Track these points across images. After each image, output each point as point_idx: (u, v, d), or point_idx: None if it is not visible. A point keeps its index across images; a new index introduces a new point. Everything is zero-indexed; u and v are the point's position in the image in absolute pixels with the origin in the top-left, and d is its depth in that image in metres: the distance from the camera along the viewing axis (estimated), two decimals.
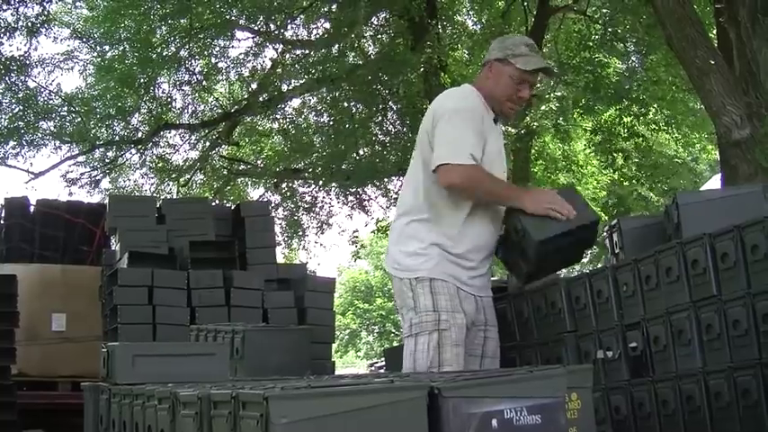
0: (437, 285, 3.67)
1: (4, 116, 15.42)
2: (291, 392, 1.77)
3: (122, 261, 6.92)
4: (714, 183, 13.75)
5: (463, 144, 3.67)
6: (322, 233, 18.29)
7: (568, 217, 3.69)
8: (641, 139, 15.84)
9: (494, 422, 2.01)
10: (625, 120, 15.18)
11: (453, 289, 3.69)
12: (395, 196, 16.34)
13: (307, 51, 15.03)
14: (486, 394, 2.02)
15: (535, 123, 13.54)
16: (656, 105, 15.21)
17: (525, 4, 14.31)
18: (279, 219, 17.56)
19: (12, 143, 15.61)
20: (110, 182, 18.04)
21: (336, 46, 13.68)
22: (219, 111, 17.21)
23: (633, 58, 15.35)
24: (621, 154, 15.80)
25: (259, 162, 18.47)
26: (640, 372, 3.74)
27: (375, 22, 14.96)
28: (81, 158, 16.63)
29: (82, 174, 16.42)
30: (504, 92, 3.87)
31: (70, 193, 14.48)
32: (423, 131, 3.86)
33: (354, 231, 19.30)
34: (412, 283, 3.71)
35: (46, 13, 14.13)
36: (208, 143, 17.18)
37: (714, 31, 9.40)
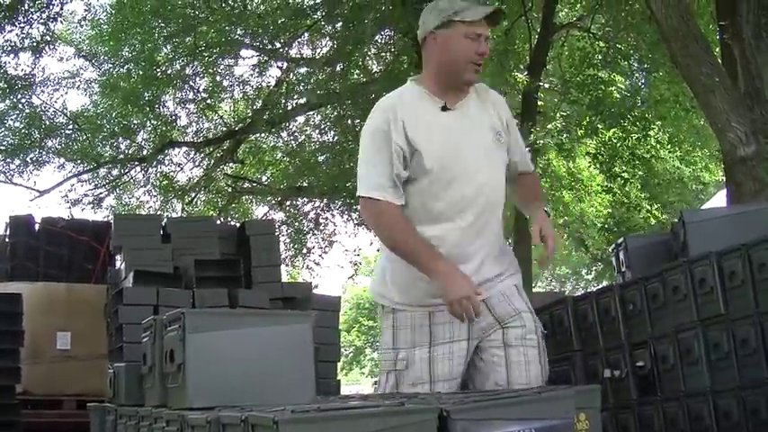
0: (399, 317, 3.39)
1: (9, 134, 15.50)
2: (301, 416, 1.76)
3: (128, 280, 6.91)
4: (719, 199, 13.74)
5: (371, 173, 3.34)
6: (326, 254, 18.28)
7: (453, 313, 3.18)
8: (642, 162, 15.86)
9: None
10: (628, 140, 15.19)
11: (420, 318, 3.36)
12: None
13: (311, 69, 15.08)
14: (496, 416, 2.01)
15: (540, 141, 13.56)
16: (658, 123, 15.23)
17: (529, 21, 14.33)
18: (283, 236, 17.57)
19: (17, 161, 15.69)
20: (114, 199, 18.09)
21: (341, 64, 13.72)
22: (224, 129, 17.27)
23: (637, 75, 15.38)
24: (621, 179, 15.78)
25: (264, 180, 18.51)
26: (648, 391, 3.74)
27: (379, 40, 15.00)
28: (85, 176, 16.69)
29: (86, 192, 16.47)
30: (463, 56, 3.37)
31: (71, 215, 14.51)
32: None
33: (355, 250, 19.29)
34: (379, 311, 3.50)
35: (50, 32, 14.20)
36: (212, 161, 17.22)
37: (718, 49, 9.41)
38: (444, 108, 3.42)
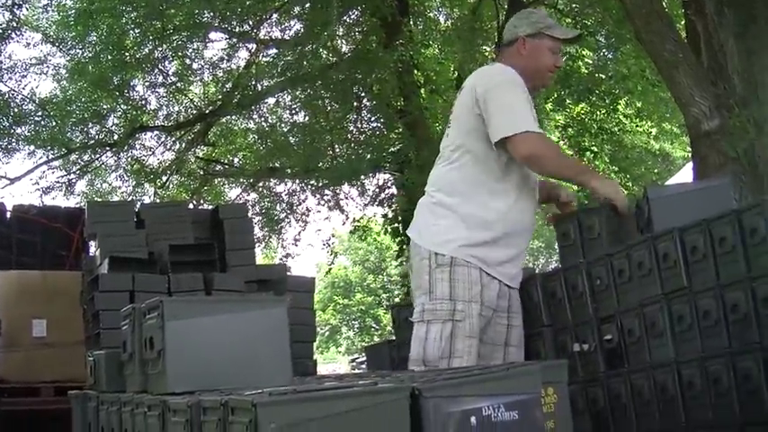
0: (457, 271, 3.65)
1: None
2: (278, 398, 1.84)
3: (103, 266, 6.94)
4: (686, 172, 13.89)
5: (528, 114, 3.71)
6: (299, 240, 18.26)
7: (623, 213, 3.90)
8: (610, 135, 15.99)
9: (473, 419, 2.09)
10: (596, 114, 15.31)
11: (476, 274, 3.68)
12: (371, 195, 16.39)
13: (280, 50, 15.07)
14: (465, 393, 2.10)
15: None
16: (626, 98, 15.34)
17: None
18: (256, 214, 17.55)
19: None
20: (86, 185, 18.02)
21: (310, 45, 13.71)
22: (194, 112, 17.21)
23: (604, 51, 15.46)
24: (591, 152, 15.91)
25: (236, 161, 18.48)
26: (615, 363, 3.83)
27: (347, 20, 15.00)
28: (56, 163, 16.61)
29: (58, 178, 16.40)
30: (546, 64, 3.94)
31: (42, 202, 14.51)
32: (463, 106, 3.85)
33: (331, 236, 19.34)
34: (431, 263, 3.69)
35: (16, 18, 14.09)
36: (183, 144, 17.18)
37: (683, 22, 9.51)
38: None
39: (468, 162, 3.80)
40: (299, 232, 18.09)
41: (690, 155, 9.63)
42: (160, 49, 15.01)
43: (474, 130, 3.77)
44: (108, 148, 16.76)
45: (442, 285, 3.64)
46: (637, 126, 16.99)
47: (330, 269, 21.31)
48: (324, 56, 14.59)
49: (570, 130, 15.90)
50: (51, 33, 16.67)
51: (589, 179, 3.92)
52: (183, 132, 17.18)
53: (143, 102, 16.49)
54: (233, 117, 17.14)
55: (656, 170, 19.82)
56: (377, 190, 16.26)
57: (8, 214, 9.75)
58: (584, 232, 3.98)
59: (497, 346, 3.81)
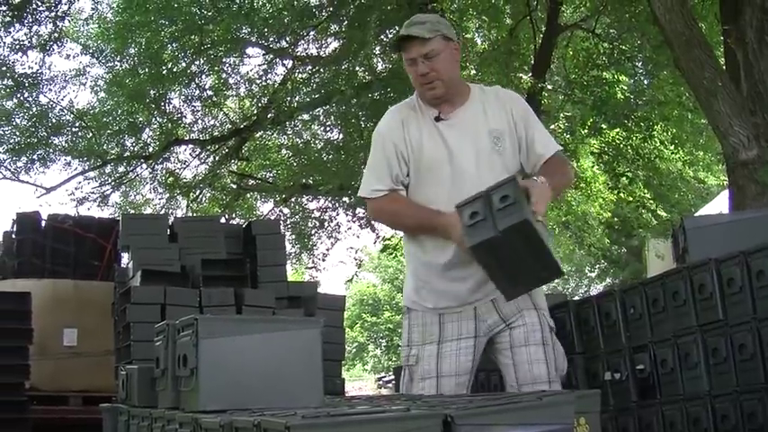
0: (412, 317, 3.65)
1: (16, 132, 15.58)
2: (311, 421, 1.84)
3: (135, 279, 6.99)
4: (722, 200, 13.75)
5: (369, 176, 3.63)
6: (327, 255, 18.30)
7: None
8: (646, 161, 15.89)
9: None
10: (632, 140, 15.23)
11: (431, 317, 3.58)
12: None
13: (317, 67, 15.13)
14: (498, 421, 2.08)
15: None
16: (661, 124, 15.23)
17: (534, 22, 14.35)
18: (287, 229, 17.59)
19: (24, 159, 15.77)
20: (120, 196, 18.16)
21: (346, 63, 13.75)
22: (229, 126, 17.31)
23: (640, 76, 15.39)
24: (626, 178, 15.82)
25: (269, 177, 18.54)
26: (648, 394, 3.80)
27: (384, 39, 15.04)
28: (92, 174, 16.76)
29: (93, 189, 16.54)
30: (413, 80, 3.64)
31: (77, 213, 14.64)
32: None
33: (358, 250, 19.37)
34: (403, 315, 3.79)
35: (58, 30, 14.26)
36: (217, 158, 17.27)
37: (722, 49, 9.45)
38: (438, 118, 3.62)
39: None
40: (329, 249, 18.14)
41: (725, 183, 9.56)
42: (197, 63, 15.12)
43: None
44: (143, 161, 16.90)
45: (403, 333, 3.69)
46: (672, 153, 16.85)
47: (352, 278, 21.30)
48: (360, 74, 14.62)
49: (606, 155, 15.81)
50: (91, 45, 16.87)
51: (433, 226, 3.49)
52: (217, 146, 17.27)
53: (179, 115, 16.61)
54: (267, 132, 17.22)
55: (690, 197, 19.65)
56: None
57: (43, 223, 9.86)
58: None
59: (505, 351, 3.60)
